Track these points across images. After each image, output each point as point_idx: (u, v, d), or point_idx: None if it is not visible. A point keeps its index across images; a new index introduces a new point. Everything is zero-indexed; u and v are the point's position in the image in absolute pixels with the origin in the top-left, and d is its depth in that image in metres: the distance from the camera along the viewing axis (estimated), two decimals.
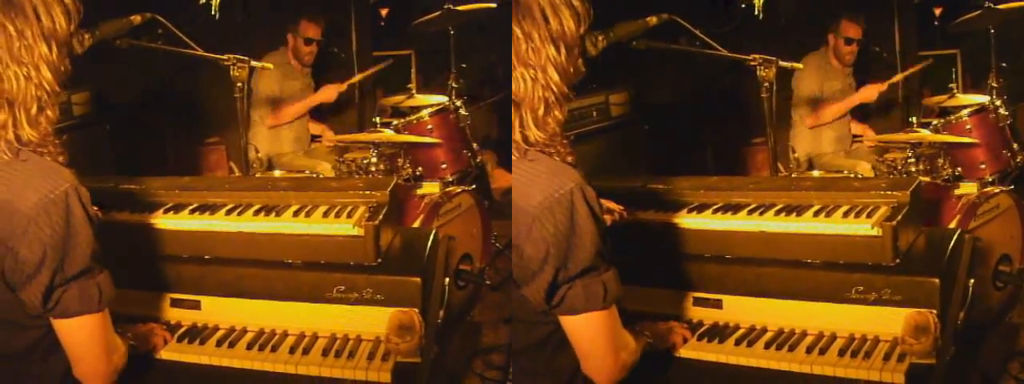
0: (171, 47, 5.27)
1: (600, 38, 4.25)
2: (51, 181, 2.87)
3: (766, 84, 4.96)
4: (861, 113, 6.04)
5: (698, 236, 4.38)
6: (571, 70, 2.96)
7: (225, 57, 5.29)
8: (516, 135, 2.97)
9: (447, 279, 4.32)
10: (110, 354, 3.11)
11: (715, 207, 4.45)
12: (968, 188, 4.87)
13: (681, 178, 4.68)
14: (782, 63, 4.93)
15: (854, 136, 6.01)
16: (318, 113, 6.35)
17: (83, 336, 3.02)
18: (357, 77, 6.30)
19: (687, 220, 4.42)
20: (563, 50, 2.93)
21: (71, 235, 2.90)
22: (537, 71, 2.91)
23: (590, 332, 3.08)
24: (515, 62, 2.93)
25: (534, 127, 2.94)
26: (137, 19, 4.97)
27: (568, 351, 3.13)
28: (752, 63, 4.90)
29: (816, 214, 4.26)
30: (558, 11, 2.92)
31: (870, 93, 5.84)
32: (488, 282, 5.32)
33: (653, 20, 4.67)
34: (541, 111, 2.94)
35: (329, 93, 6.21)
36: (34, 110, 2.86)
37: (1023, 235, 4.97)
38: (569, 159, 3.01)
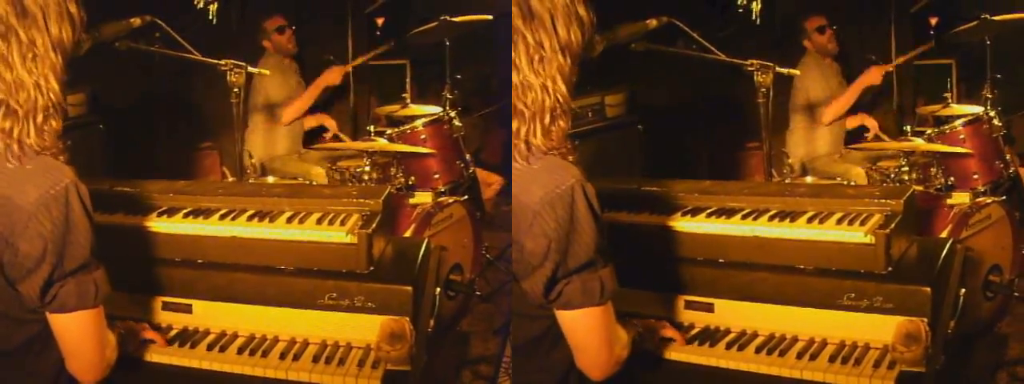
0: (170, 51, 5.30)
1: (599, 40, 4.29)
2: (52, 177, 2.90)
3: (763, 89, 5.02)
4: (857, 105, 6.05)
5: (691, 239, 4.42)
6: (574, 79, 3.02)
7: (222, 62, 5.33)
8: (520, 142, 3.00)
9: (438, 289, 4.36)
10: (103, 349, 3.14)
11: (709, 211, 4.48)
12: (960, 198, 4.94)
13: (676, 181, 4.71)
14: (779, 69, 4.99)
15: (852, 135, 6.01)
16: (315, 108, 6.36)
17: (78, 331, 3.04)
18: (360, 59, 6.28)
19: (681, 223, 4.45)
20: (569, 59, 2.98)
21: (70, 230, 2.92)
22: (546, 80, 2.96)
23: (585, 327, 3.11)
24: (524, 70, 2.96)
25: (541, 135, 2.99)
26: (137, 22, 5.00)
27: (565, 346, 3.17)
28: (750, 68, 4.96)
29: (810, 220, 4.30)
30: (569, 20, 2.96)
31: (875, 75, 5.86)
32: (478, 293, 5.34)
33: (653, 23, 4.72)
34: (548, 120, 2.98)
35: (334, 75, 6.21)
36: (41, 119, 2.90)
37: (1014, 246, 5.02)
38: (570, 158, 3.04)
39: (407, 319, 4.06)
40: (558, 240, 2.99)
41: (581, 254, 3.02)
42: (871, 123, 5.92)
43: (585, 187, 3.00)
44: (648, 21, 4.73)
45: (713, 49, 4.95)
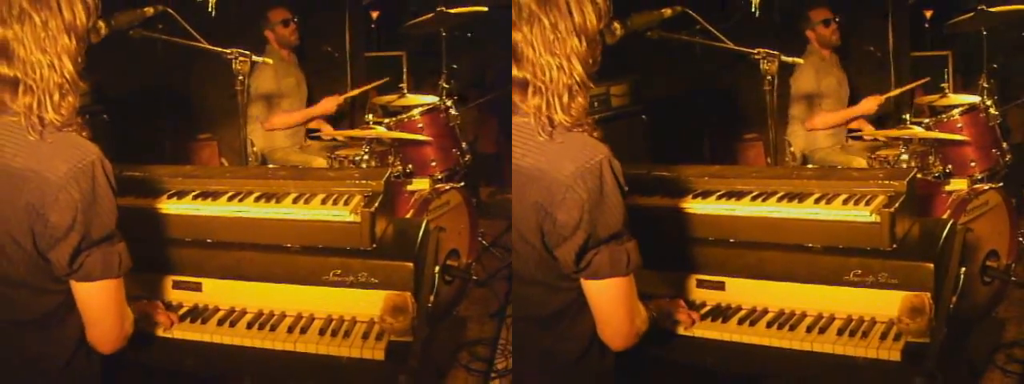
0: (180, 40, 5.49)
1: (617, 27, 4.49)
2: (79, 153, 3.15)
3: (768, 77, 5.19)
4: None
5: (703, 221, 4.60)
6: (590, 61, 3.25)
7: (229, 51, 5.51)
8: (542, 117, 3.23)
9: (437, 267, 4.63)
10: (122, 319, 3.36)
11: (719, 194, 4.67)
12: (958, 184, 5.13)
13: (686, 166, 4.91)
14: (784, 58, 5.18)
15: (850, 131, 6.25)
16: None
17: (101, 300, 3.28)
18: (354, 91, 6.55)
19: (692, 205, 4.63)
20: (585, 42, 3.21)
21: (96, 202, 3.18)
22: (562, 59, 3.19)
23: (610, 297, 3.33)
24: (541, 50, 3.19)
25: (561, 111, 3.21)
26: (150, 11, 5.19)
27: (589, 316, 3.39)
28: (756, 57, 5.14)
29: (817, 201, 4.50)
30: (582, 6, 3.20)
31: (870, 105, 6.11)
32: (475, 277, 5.59)
33: (668, 12, 4.91)
34: (566, 97, 3.21)
35: (329, 105, 6.47)
36: (57, 96, 3.13)
37: (1010, 232, 5.24)
38: (595, 134, 3.29)
39: (409, 293, 4.30)
40: (589, 211, 3.22)
41: (609, 225, 3.26)
42: (868, 129, 6.17)
43: (612, 162, 3.25)
44: (663, 10, 4.94)
45: (723, 38, 5.14)
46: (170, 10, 5.37)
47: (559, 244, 3.27)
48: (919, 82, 6.10)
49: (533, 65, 3.21)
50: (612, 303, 3.36)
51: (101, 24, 3.66)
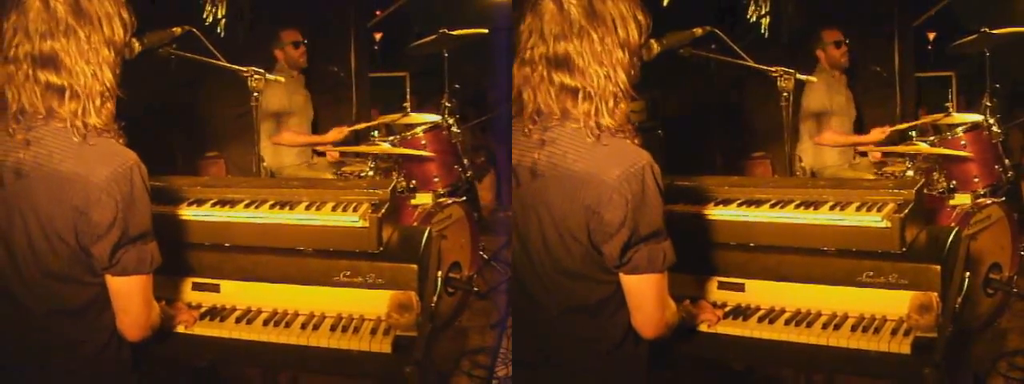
0: (203, 58, 5.93)
1: (654, 45, 4.96)
2: (119, 158, 3.68)
3: (785, 95, 5.61)
4: (861, 126, 6.73)
5: (723, 227, 5.03)
6: (632, 72, 3.76)
7: (245, 69, 5.95)
8: (590, 121, 3.72)
9: (439, 272, 5.10)
10: (150, 311, 3.88)
11: (739, 201, 5.09)
12: (962, 199, 5.58)
13: (706, 177, 5.35)
14: (799, 76, 5.61)
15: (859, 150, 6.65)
16: (317, 129, 7.01)
17: (132, 292, 3.78)
18: (361, 125, 6.96)
19: (714, 212, 5.07)
20: (627, 54, 3.73)
21: (134, 203, 3.68)
22: (609, 69, 3.70)
23: (645, 291, 3.82)
24: (590, 60, 3.69)
25: (607, 115, 3.71)
26: (178, 31, 5.62)
27: (627, 307, 3.88)
28: (774, 75, 5.56)
29: (831, 208, 4.93)
30: (626, 22, 3.72)
31: (878, 136, 6.52)
32: (476, 289, 6.05)
33: (698, 31, 5.35)
34: (612, 103, 3.71)
35: (337, 136, 6.91)
36: (99, 102, 3.68)
37: (1012, 245, 5.69)
38: (636, 141, 3.78)
39: (413, 292, 4.79)
40: (633, 210, 3.70)
41: (650, 224, 3.75)
42: (875, 151, 6.58)
43: (654, 168, 3.74)
44: (694, 29, 5.40)
45: (745, 57, 5.59)
46: (195, 30, 5.79)
47: (606, 240, 3.75)
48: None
49: (583, 74, 3.70)
50: (646, 296, 3.84)
51: (134, 42, 4.11)
